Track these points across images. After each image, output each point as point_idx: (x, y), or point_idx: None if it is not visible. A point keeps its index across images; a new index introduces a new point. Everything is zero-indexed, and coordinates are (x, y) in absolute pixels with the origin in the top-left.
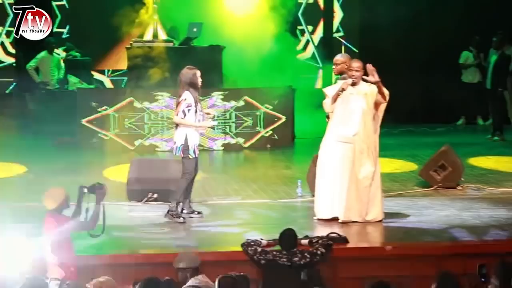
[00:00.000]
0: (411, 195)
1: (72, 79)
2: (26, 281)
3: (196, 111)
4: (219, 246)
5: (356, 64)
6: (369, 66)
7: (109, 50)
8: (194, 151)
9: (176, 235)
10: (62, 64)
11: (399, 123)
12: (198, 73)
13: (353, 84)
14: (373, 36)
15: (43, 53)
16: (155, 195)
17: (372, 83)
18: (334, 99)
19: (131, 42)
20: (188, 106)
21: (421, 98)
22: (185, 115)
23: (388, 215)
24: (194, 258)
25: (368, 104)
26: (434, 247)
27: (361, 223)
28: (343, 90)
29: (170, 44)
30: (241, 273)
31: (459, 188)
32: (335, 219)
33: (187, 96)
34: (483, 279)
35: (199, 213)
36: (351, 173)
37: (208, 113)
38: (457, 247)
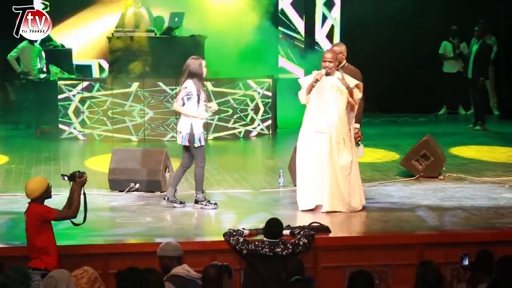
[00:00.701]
0: (393, 184)
1: (53, 69)
2: (8, 271)
3: (198, 101)
4: (201, 236)
5: (329, 55)
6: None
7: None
8: (199, 140)
9: (158, 225)
10: (43, 54)
11: (381, 112)
12: (204, 63)
13: (327, 74)
14: (356, 26)
15: (24, 43)
16: (137, 185)
17: (346, 87)
18: (309, 90)
19: (112, 32)
20: (187, 95)
21: (403, 88)
22: (183, 103)
23: (370, 204)
24: (177, 248)
25: (342, 94)
26: (416, 236)
27: (344, 212)
28: (317, 81)
29: (152, 34)
30: (224, 263)
31: (440, 177)
32: (317, 207)
33: (188, 85)
34: (465, 269)
35: (181, 202)
36: (329, 163)
37: (209, 107)
38: (439, 236)
